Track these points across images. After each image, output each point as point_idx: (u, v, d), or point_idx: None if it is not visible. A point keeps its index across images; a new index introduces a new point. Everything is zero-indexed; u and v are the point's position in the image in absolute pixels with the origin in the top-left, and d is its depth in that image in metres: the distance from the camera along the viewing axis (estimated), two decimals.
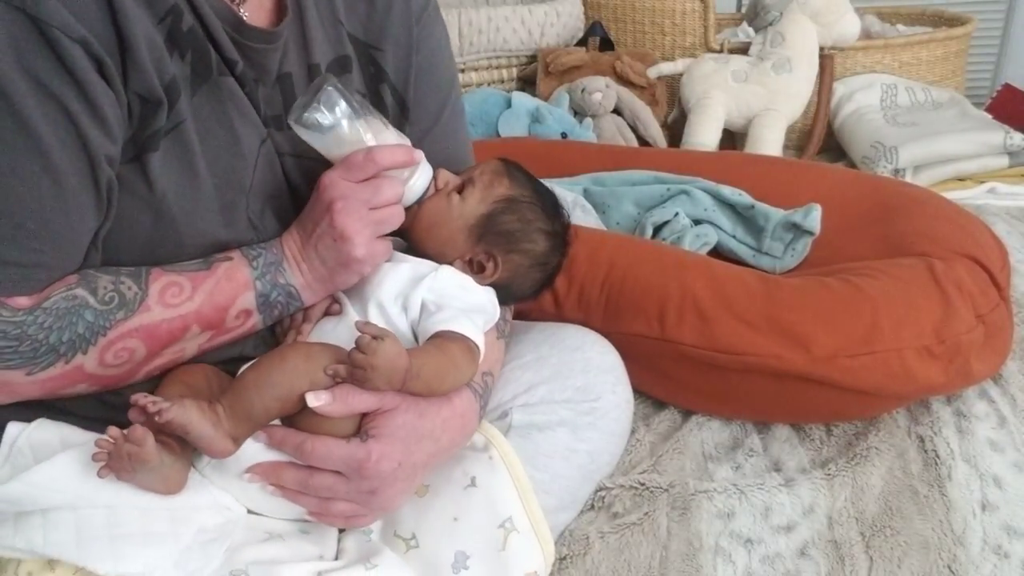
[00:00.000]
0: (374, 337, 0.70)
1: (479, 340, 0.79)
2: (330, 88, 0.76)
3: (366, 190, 0.77)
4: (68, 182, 0.66)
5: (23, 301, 0.67)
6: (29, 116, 0.63)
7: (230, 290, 0.76)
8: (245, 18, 0.76)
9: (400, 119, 0.90)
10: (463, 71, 2.27)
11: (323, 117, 0.76)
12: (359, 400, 0.73)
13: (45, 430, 0.73)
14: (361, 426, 0.75)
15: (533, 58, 2.30)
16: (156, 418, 0.66)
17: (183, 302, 0.74)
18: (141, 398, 0.67)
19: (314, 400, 0.71)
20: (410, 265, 0.84)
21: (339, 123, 0.76)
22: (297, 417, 0.74)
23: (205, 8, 0.72)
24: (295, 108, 0.76)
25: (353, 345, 0.71)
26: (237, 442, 0.71)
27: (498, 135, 1.97)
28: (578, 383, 0.94)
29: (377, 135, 0.79)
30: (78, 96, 0.64)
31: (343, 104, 0.76)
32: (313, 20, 0.82)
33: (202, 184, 0.74)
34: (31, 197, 0.65)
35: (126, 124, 0.69)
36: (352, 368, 0.70)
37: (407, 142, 0.82)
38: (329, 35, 0.84)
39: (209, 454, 0.71)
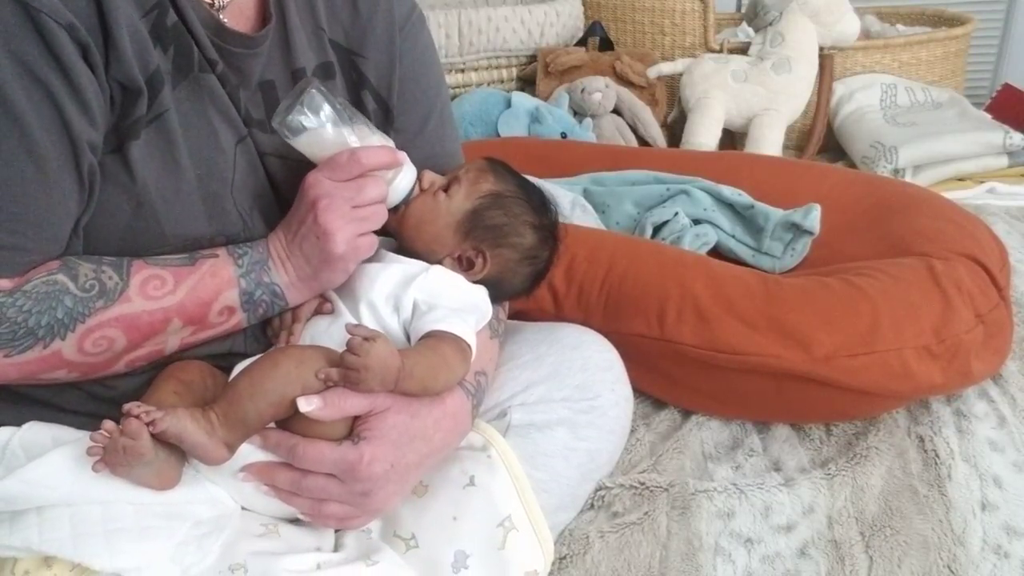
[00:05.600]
0: (365, 339, 0.70)
1: (471, 339, 0.79)
2: (313, 91, 0.76)
3: (349, 189, 0.77)
4: (50, 166, 0.66)
5: (3, 283, 0.68)
6: (14, 100, 0.64)
7: (213, 286, 0.76)
8: (226, 23, 0.77)
9: (384, 125, 0.90)
10: (463, 71, 2.28)
11: (307, 120, 0.76)
12: (350, 403, 0.73)
13: (37, 431, 0.73)
14: (353, 428, 0.75)
15: (533, 58, 2.30)
16: (150, 428, 0.66)
17: (165, 295, 0.74)
18: (134, 408, 0.67)
19: (305, 405, 0.71)
20: (401, 266, 0.85)
21: (323, 125, 0.77)
22: (290, 420, 0.74)
23: (187, 9, 0.73)
24: (279, 111, 0.77)
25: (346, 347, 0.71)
26: (231, 448, 0.71)
27: (498, 135, 1.97)
28: (576, 381, 0.94)
29: (361, 138, 0.79)
30: (63, 81, 0.65)
31: (326, 107, 0.77)
32: (295, 25, 0.82)
33: (184, 174, 0.74)
34: (13, 180, 0.65)
35: (108, 111, 0.69)
36: (345, 370, 0.70)
37: (391, 144, 0.83)
38: (312, 43, 0.85)
39: (204, 461, 0.71)
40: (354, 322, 0.81)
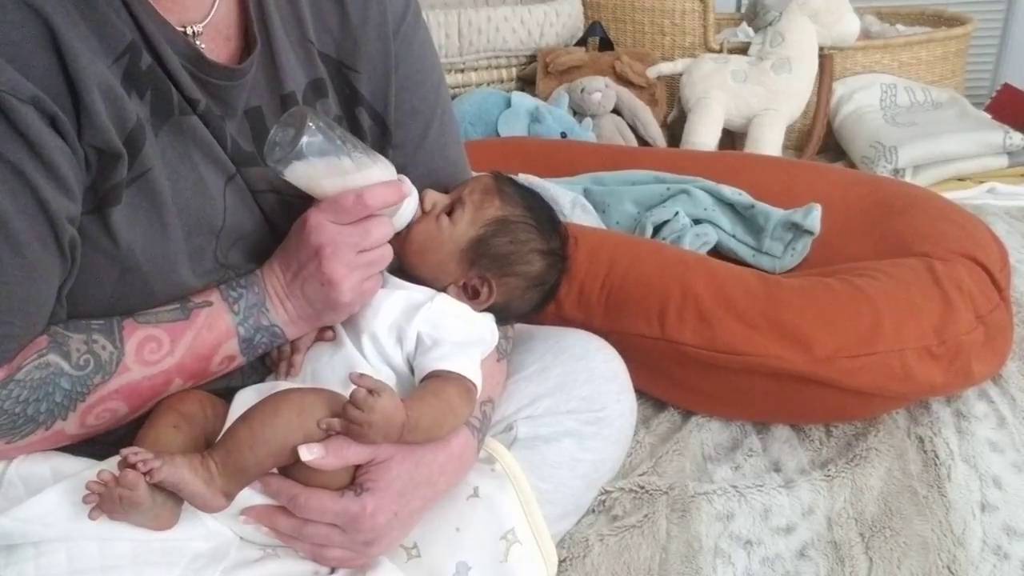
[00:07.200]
0: (370, 391, 0.68)
1: (476, 378, 0.78)
2: (310, 124, 0.70)
3: (355, 234, 0.74)
4: (30, 249, 0.63)
5: None
6: None
7: (211, 340, 0.74)
8: (204, 51, 0.71)
9: (381, 142, 0.86)
10: (463, 71, 2.27)
11: (303, 156, 0.70)
12: (353, 453, 0.71)
13: (34, 461, 0.71)
14: (356, 477, 0.74)
15: (533, 58, 2.30)
16: (147, 478, 0.64)
17: (163, 358, 0.72)
18: (131, 456, 0.64)
19: (307, 454, 0.69)
20: (405, 293, 0.83)
21: (321, 161, 0.71)
22: (291, 467, 0.73)
23: (162, 45, 0.68)
24: (272, 146, 0.71)
25: (349, 383, 0.70)
26: (230, 497, 0.70)
27: (498, 135, 1.97)
28: (583, 393, 0.92)
29: (361, 167, 0.74)
30: (33, 159, 0.61)
31: (324, 141, 0.71)
32: (283, 46, 0.77)
33: (171, 233, 0.71)
34: None
35: (84, 175, 0.65)
36: (348, 423, 0.69)
37: (392, 170, 0.78)
38: (300, 58, 0.79)
39: (202, 509, 0.70)
40: (356, 353, 0.80)
